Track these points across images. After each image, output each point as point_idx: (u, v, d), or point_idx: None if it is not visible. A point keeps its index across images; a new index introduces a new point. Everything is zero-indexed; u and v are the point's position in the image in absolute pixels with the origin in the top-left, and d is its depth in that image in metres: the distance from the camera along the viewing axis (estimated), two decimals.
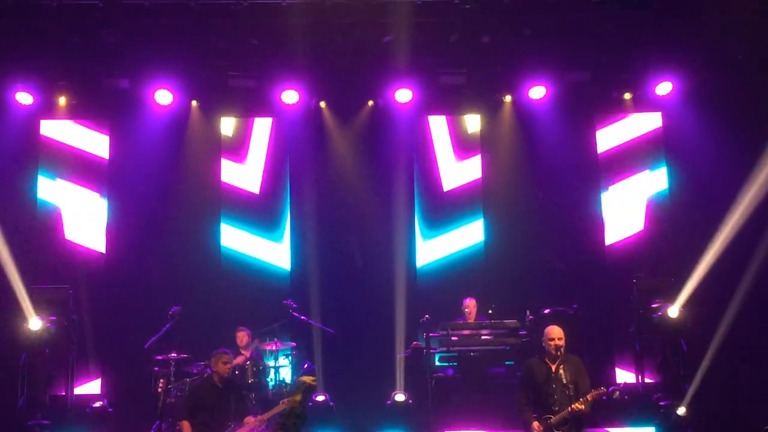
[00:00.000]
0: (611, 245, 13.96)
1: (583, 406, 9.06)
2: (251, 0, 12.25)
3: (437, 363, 12.18)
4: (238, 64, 13.50)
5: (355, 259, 14.05)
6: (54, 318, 12.20)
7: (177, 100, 13.73)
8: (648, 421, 11.75)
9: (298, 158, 14.30)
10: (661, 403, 12.06)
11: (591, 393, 9.12)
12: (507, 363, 11.87)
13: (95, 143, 14.03)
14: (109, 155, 14.03)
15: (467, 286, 13.40)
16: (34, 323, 11.79)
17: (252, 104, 14.16)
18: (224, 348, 10.45)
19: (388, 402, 12.55)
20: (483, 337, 11.91)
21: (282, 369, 12.51)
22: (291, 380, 12.46)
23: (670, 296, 12.20)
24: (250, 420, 10.08)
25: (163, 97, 13.60)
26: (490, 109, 14.35)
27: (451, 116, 14.48)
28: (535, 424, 9.23)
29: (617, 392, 12.14)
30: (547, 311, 12.24)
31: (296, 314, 12.82)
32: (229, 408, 10.00)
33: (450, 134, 14.45)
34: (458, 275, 13.95)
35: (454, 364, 12.11)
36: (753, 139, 12.65)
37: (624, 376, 13.20)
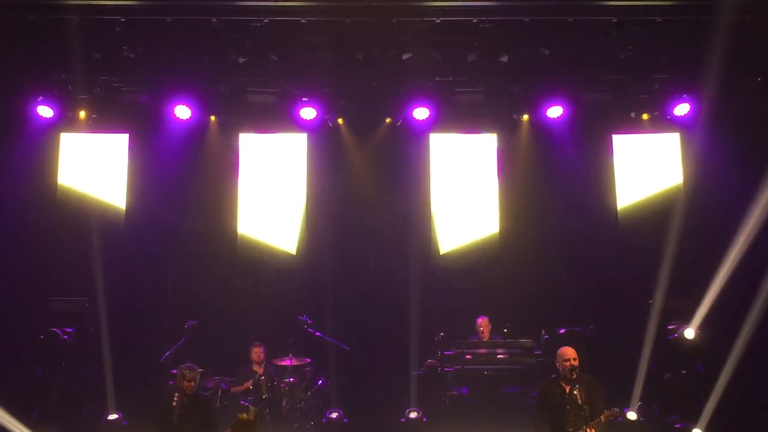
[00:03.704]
0: (627, 265, 13.90)
1: (595, 431, 9.05)
2: (271, 17, 12.32)
3: (451, 381, 12.15)
4: (257, 80, 13.57)
5: (370, 275, 14.11)
6: (71, 330, 12.29)
7: (196, 115, 13.79)
8: None
9: (316, 174, 14.35)
10: (678, 425, 12.01)
11: (604, 414, 9.10)
12: (521, 383, 11.83)
13: (114, 158, 14.15)
14: (128, 169, 14.13)
15: (482, 304, 13.41)
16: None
17: (270, 120, 14.23)
18: (190, 363, 10.23)
19: (402, 420, 12.56)
20: (498, 356, 11.89)
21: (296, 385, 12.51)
22: (305, 396, 12.47)
23: (687, 317, 12.18)
24: None
25: (183, 112, 13.65)
26: (507, 128, 14.37)
27: (469, 134, 14.51)
28: None
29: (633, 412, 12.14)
30: (562, 331, 12.21)
31: (311, 330, 12.85)
32: (192, 423, 9.95)
33: (467, 153, 14.48)
34: (474, 292, 13.93)
35: (468, 382, 12.08)
36: None
37: (640, 397, 13.12)
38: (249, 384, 12.32)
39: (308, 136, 14.40)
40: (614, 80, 13.45)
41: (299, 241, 14.32)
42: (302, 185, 14.39)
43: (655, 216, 13.76)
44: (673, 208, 13.38)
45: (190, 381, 10.05)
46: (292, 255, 14.28)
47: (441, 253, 14.33)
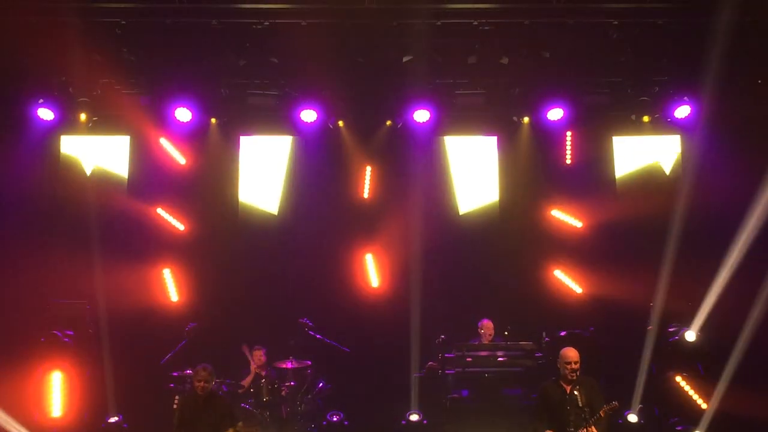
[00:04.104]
0: (627, 268, 13.88)
1: (596, 429, 9.07)
2: (272, 19, 12.35)
3: (452, 383, 12.14)
4: (257, 82, 13.56)
5: (370, 276, 14.13)
6: (71, 332, 12.29)
7: (196, 117, 13.74)
8: None
9: (316, 177, 14.34)
10: (678, 428, 12.00)
11: (603, 408, 9.14)
12: (522, 385, 11.82)
13: (115, 160, 14.18)
14: (129, 172, 14.15)
15: (483, 305, 13.41)
16: None
17: (271, 122, 14.23)
18: (205, 364, 10.27)
19: (403, 422, 12.56)
20: (498, 359, 11.88)
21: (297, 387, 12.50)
22: (306, 399, 12.47)
23: (687, 320, 12.18)
24: None
25: (183, 114, 13.61)
26: (508, 131, 14.37)
27: (469, 137, 14.51)
28: None
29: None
30: (563, 333, 12.21)
31: (312, 332, 12.85)
32: (205, 422, 9.98)
33: (467, 155, 14.48)
34: (475, 291, 13.92)
35: (469, 385, 12.07)
36: None
37: (641, 399, 13.10)
38: (250, 378, 12.37)
39: (308, 139, 14.37)
40: (614, 82, 13.47)
41: (300, 241, 14.30)
42: (303, 186, 14.37)
43: (656, 217, 13.75)
44: (673, 209, 13.39)
45: (199, 381, 10.09)
46: (294, 256, 14.24)
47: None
